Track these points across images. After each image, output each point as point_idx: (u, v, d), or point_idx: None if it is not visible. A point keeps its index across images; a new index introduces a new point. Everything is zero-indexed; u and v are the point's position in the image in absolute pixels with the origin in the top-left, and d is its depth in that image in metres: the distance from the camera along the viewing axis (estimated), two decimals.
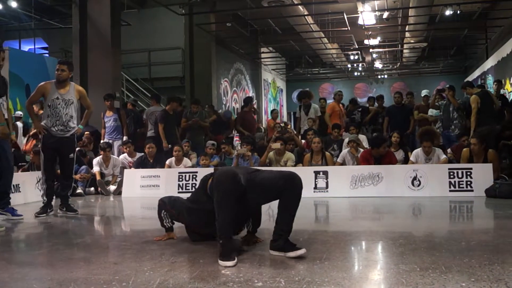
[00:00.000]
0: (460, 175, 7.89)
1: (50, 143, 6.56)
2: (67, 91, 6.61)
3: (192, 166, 9.43)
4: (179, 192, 8.76)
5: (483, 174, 7.80)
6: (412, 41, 21.93)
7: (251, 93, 23.99)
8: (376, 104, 12.62)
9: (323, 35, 20.97)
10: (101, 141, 10.33)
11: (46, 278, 3.37)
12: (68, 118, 6.59)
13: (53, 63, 16.47)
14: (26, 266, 3.81)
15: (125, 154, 10.13)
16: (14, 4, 15.56)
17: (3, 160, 5.95)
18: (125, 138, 10.49)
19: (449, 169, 8.01)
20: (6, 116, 6.04)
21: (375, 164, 8.42)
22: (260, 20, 19.87)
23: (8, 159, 6.01)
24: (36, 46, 18.52)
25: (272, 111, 14.94)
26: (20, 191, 8.01)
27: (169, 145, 10.09)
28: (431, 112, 11.05)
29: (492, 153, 8.17)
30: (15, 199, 7.50)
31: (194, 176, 8.82)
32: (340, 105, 12.29)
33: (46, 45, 19.80)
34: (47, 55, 18.99)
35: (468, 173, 7.87)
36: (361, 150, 9.25)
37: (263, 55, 24.93)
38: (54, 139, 6.54)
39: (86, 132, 10.49)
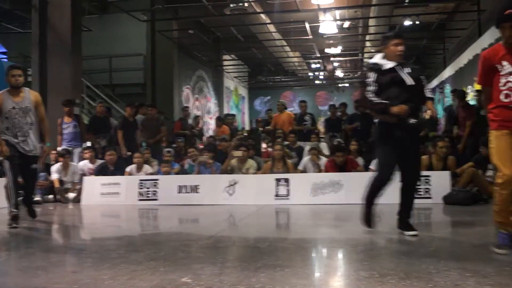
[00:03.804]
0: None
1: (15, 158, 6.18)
2: (23, 98, 6.23)
3: (154, 174, 9.35)
4: (139, 200, 8.67)
5: (441, 182, 7.97)
6: (372, 50, 22.30)
7: (213, 100, 23.96)
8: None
9: (285, 44, 21.16)
10: (59, 148, 10.12)
11: (4, 287, 3.29)
12: (29, 127, 6.26)
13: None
14: None
15: (86, 161, 9.93)
16: None
17: None
18: (89, 143, 10.31)
19: None
20: None
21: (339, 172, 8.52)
22: (222, 27, 19.89)
23: None
24: None
25: (226, 116, 14.85)
26: None
27: (129, 152, 9.97)
28: None
29: (453, 159, 8.36)
30: None
31: (155, 184, 8.75)
32: (286, 113, 12.40)
33: (5, 50, 19.31)
34: (5, 59, 18.53)
35: (427, 181, 8.03)
36: (322, 157, 9.36)
37: (225, 63, 24.95)
38: (18, 155, 6.19)
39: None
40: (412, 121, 4.78)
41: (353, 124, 11.00)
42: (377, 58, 5.06)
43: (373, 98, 4.83)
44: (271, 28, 18.27)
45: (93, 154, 9.93)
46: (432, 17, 17.79)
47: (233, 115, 14.44)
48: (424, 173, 8.17)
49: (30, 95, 6.34)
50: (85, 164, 9.86)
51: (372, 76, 4.91)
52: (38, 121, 6.38)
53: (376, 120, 5.03)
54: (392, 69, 4.88)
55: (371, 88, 4.87)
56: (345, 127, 11.33)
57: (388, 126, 4.84)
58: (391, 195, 8.06)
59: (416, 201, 7.85)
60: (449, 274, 3.38)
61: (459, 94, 10.73)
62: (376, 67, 4.96)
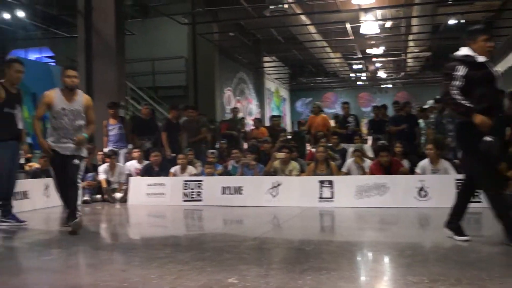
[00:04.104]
0: None
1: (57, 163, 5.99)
2: (75, 100, 5.94)
3: (197, 175, 9.43)
4: (184, 201, 8.77)
5: None
6: (416, 50, 21.97)
7: (254, 102, 24.03)
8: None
9: (326, 44, 21.03)
10: (105, 149, 10.35)
11: (55, 284, 3.39)
12: (76, 131, 5.91)
13: (59, 72, 16.61)
14: (36, 272, 3.83)
15: (134, 161, 10.10)
16: (21, 14, 15.67)
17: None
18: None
19: (456, 179, 7.93)
20: (21, 126, 6.21)
21: (385, 174, 8.39)
22: (262, 29, 19.93)
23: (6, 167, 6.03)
24: (42, 55, 18.63)
25: (272, 117, 14.78)
26: (28, 198, 8.02)
27: (173, 154, 10.10)
28: (420, 123, 11.06)
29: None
30: (23, 205, 7.55)
31: (199, 185, 8.82)
32: (322, 116, 12.28)
33: (52, 54, 19.91)
34: (53, 63, 19.09)
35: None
36: (366, 159, 9.24)
37: (266, 64, 24.98)
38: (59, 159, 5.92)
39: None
40: (488, 139, 4.30)
41: (400, 126, 10.77)
42: (465, 52, 4.58)
43: (457, 96, 4.36)
44: (312, 29, 18.19)
45: (141, 154, 10.08)
46: (477, 15, 17.31)
47: (279, 116, 14.36)
48: None
49: (82, 99, 6.03)
50: (132, 164, 10.02)
51: (461, 70, 4.41)
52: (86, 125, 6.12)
53: (461, 120, 4.56)
54: (483, 65, 4.46)
55: (457, 83, 4.38)
56: (389, 129, 11.12)
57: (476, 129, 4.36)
58: (442, 198, 7.89)
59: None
60: (503, 281, 3.26)
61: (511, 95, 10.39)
62: (468, 60, 4.48)
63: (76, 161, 5.87)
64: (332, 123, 13.22)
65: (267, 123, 24.61)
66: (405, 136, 10.41)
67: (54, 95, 5.89)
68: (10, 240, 5.58)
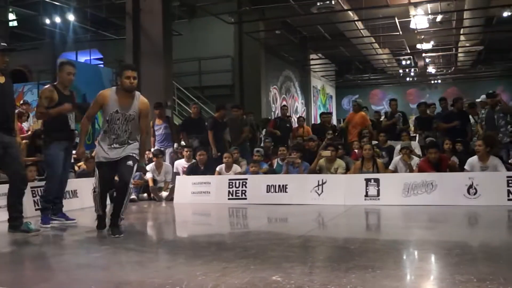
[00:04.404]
0: None
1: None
2: (130, 104, 5.44)
3: (242, 173, 9.48)
4: (229, 199, 8.83)
5: None
6: (467, 45, 21.34)
7: (300, 100, 23.94)
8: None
9: (374, 40, 20.72)
10: (152, 148, 10.55)
11: (103, 280, 3.48)
12: (128, 137, 5.50)
13: (108, 73, 17.01)
14: (85, 268, 3.94)
15: (183, 159, 10.24)
16: (71, 18, 16.17)
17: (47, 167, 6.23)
18: (182, 143, 10.65)
19: (507, 177, 7.69)
20: (73, 127, 6.36)
21: (434, 171, 8.21)
22: (309, 26, 19.82)
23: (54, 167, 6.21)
24: (91, 57, 19.14)
25: (322, 114, 14.68)
26: (77, 197, 8.28)
27: (219, 153, 10.19)
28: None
29: None
30: (72, 204, 7.79)
31: (244, 183, 8.86)
32: (361, 114, 12.06)
33: (101, 56, 20.43)
34: (102, 65, 19.59)
35: None
36: (414, 157, 9.05)
37: (312, 62, 24.83)
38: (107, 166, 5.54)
39: None
40: None
41: (452, 123, 10.46)
42: None
43: None
44: (359, 25, 17.96)
45: (191, 153, 10.18)
46: None
47: (330, 113, 14.24)
48: None
49: (138, 103, 5.49)
50: (180, 163, 10.16)
51: None
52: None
53: None
54: None
55: None
56: (439, 125, 10.83)
57: None
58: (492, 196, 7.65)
59: None
60: None
61: None
62: None
63: (130, 163, 5.46)
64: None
65: (312, 121, 24.58)
66: (456, 133, 10.13)
67: (109, 96, 5.43)
68: (60, 237, 5.77)
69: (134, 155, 5.53)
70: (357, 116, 11.77)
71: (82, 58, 19.24)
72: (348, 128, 11.73)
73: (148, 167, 9.88)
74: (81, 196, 8.35)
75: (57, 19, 16.70)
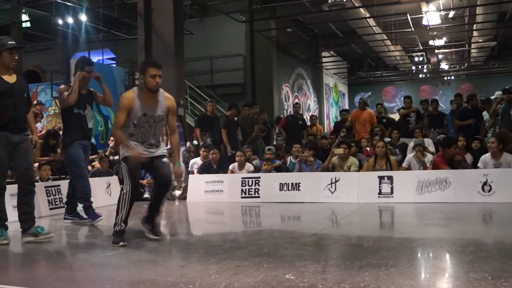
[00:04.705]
0: None
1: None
2: (157, 103, 5.04)
3: (254, 171, 9.48)
4: (242, 198, 8.84)
5: None
6: (480, 40, 21.13)
7: (312, 98, 23.88)
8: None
9: (386, 37, 20.60)
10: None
11: (116, 279, 3.50)
12: (158, 140, 5.20)
13: (120, 73, 17.08)
14: (99, 267, 3.97)
15: (198, 158, 10.18)
16: (83, 18, 16.28)
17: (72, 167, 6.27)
18: (195, 142, 10.65)
19: None
20: (90, 126, 6.42)
21: (449, 168, 8.17)
22: (320, 24, 19.76)
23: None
24: (104, 57, 19.25)
25: (341, 112, 14.68)
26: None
27: (233, 151, 10.20)
28: (484, 115, 10.61)
29: None
30: None
31: (257, 182, 8.87)
32: (368, 111, 12.02)
33: (113, 56, 20.54)
34: (114, 65, 19.69)
35: None
36: (427, 154, 9.00)
37: (324, 59, 24.75)
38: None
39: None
40: None
41: (467, 121, 10.37)
42: None
43: None
44: (371, 22, 17.87)
45: (207, 154, 10.07)
46: None
47: (348, 111, 14.20)
48: None
49: (165, 101, 5.12)
50: (195, 162, 10.13)
51: None
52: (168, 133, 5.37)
53: None
54: None
55: None
56: (454, 122, 10.73)
57: None
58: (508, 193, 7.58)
59: None
60: None
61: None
62: None
63: (166, 159, 5.21)
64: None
65: (325, 119, 24.52)
66: (470, 130, 10.04)
67: (134, 99, 4.95)
68: (74, 236, 5.82)
69: (166, 154, 5.29)
70: (364, 113, 11.78)
71: (94, 58, 19.33)
72: (355, 126, 11.71)
73: None
74: (95, 195, 8.38)
75: (70, 20, 16.82)
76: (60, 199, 7.60)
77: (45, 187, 7.50)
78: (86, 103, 6.33)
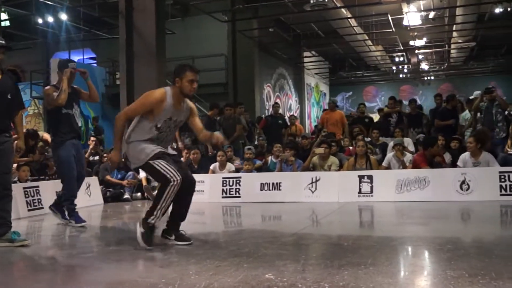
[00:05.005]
0: None
1: None
2: (183, 110, 4.77)
3: (236, 171, 9.48)
4: (223, 197, 8.83)
5: None
6: (460, 41, 21.40)
7: (294, 98, 23.95)
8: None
9: (367, 38, 20.76)
10: None
11: (96, 280, 3.47)
12: (169, 144, 5.02)
13: (101, 72, 16.96)
14: (78, 269, 3.93)
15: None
16: (64, 17, 16.12)
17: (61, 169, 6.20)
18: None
19: (500, 172, 7.76)
20: (79, 124, 6.34)
21: (429, 167, 8.27)
22: (302, 24, 19.84)
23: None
24: (84, 57, 19.10)
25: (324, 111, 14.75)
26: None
27: (214, 151, 10.18)
28: (465, 115, 10.77)
29: None
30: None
31: (238, 181, 8.87)
32: (338, 112, 12.14)
33: (94, 55, 20.38)
34: (95, 65, 19.55)
35: None
36: (407, 153, 9.09)
37: (305, 59, 24.85)
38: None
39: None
40: None
41: (447, 121, 10.50)
42: None
43: None
44: (353, 22, 17.99)
45: (189, 155, 10.05)
46: None
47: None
48: None
49: (189, 107, 4.86)
50: None
51: None
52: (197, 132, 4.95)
53: None
54: None
55: None
56: (435, 122, 10.86)
57: None
58: (485, 192, 7.69)
59: (510, 198, 7.51)
60: None
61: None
62: None
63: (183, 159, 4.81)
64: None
65: (306, 118, 24.59)
66: (450, 130, 10.19)
67: (166, 100, 4.58)
68: (53, 238, 5.75)
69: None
70: (335, 114, 11.89)
71: (75, 58, 19.19)
72: (327, 127, 11.83)
73: None
74: None
75: (50, 19, 16.66)
76: (39, 200, 7.53)
77: (24, 188, 7.41)
78: (73, 101, 6.24)
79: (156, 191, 4.58)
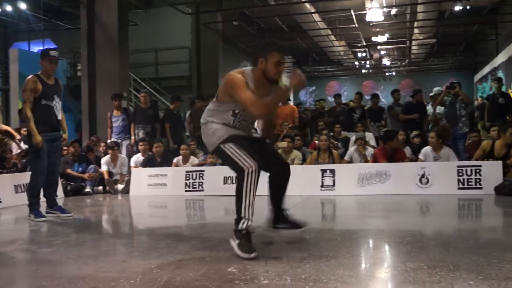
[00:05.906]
0: (469, 173, 7.83)
1: None
2: (268, 95, 4.20)
3: (199, 165, 9.44)
4: (186, 191, 8.78)
5: (492, 172, 7.73)
6: (420, 38, 21.80)
7: None
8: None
9: (331, 33, 20.93)
10: (108, 140, 10.39)
11: (55, 275, 3.40)
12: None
13: (62, 64, 16.56)
14: (36, 264, 3.84)
15: (139, 154, 9.93)
16: (23, 6, 15.68)
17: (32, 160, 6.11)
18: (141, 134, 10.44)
19: (457, 166, 7.97)
20: (60, 117, 6.21)
21: (388, 161, 8.41)
22: (267, 18, 19.86)
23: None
24: (45, 47, 18.61)
25: (297, 105, 14.71)
26: None
27: (175, 145, 10.11)
28: (439, 109, 11.00)
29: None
30: None
31: (201, 175, 8.84)
32: (289, 106, 12.17)
33: (55, 46, 19.91)
34: None
35: (477, 171, 7.81)
36: (368, 147, 9.23)
37: None
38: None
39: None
40: None
41: (412, 115, 10.68)
42: None
43: None
44: (316, 17, 18.10)
45: (147, 147, 9.92)
46: (483, 1, 17.17)
47: (301, 104, 14.33)
48: (475, 163, 7.98)
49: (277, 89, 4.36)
50: (138, 158, 9.88)
51: None
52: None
53: None
54: None
55: None
56: (400, 116, 11.02)
57: None
58: (444, 185, 7.88)
59: (467, 191, 7.73)
60: (501, 266, 3.26)
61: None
62: None
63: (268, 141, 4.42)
64: None
65: None
66: (414, 124, 10.37)
67: (248, 83, 4.09)
68: (10, 233, 5.62)
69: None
70: (287, 108, 11.81)
71: (35, 48, 18.76)
72: (278, 120, 11.78)
73: (103, 160, 9.73)
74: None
75: (9, 8, 16.18)
76: None
77: None
78: (54, 93, 6.12)
79: (235, 189, 3.99)
